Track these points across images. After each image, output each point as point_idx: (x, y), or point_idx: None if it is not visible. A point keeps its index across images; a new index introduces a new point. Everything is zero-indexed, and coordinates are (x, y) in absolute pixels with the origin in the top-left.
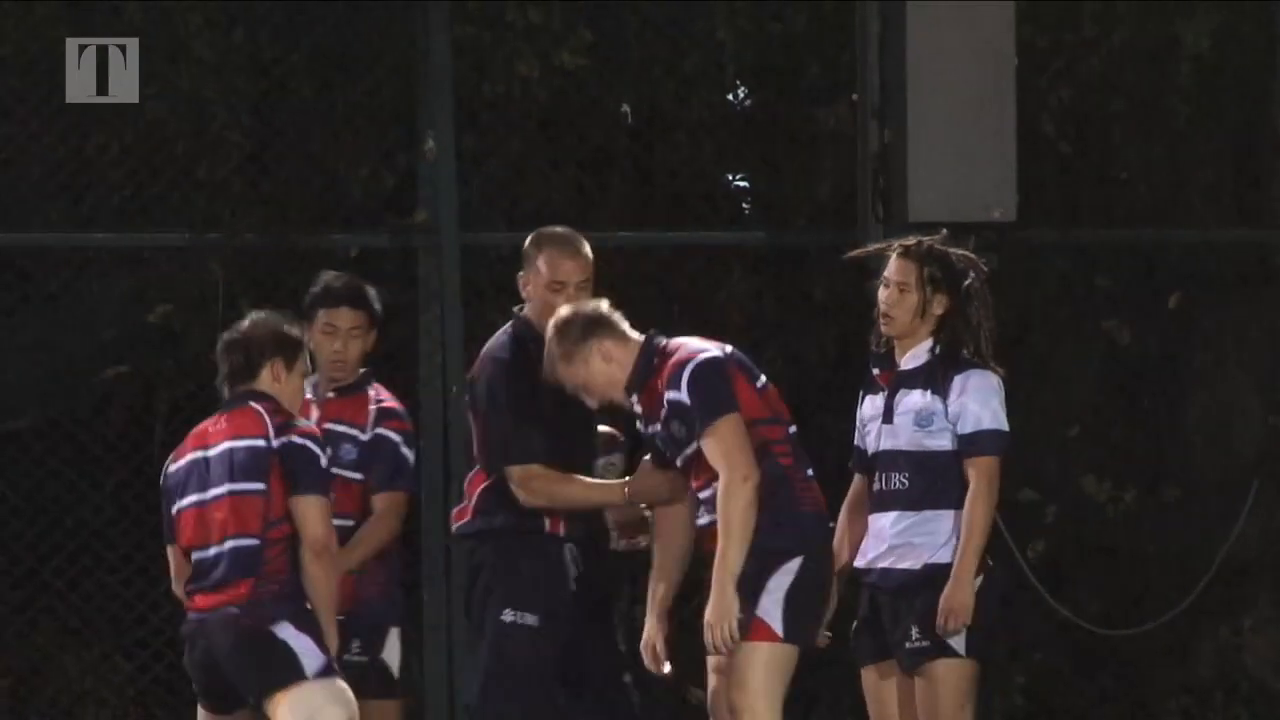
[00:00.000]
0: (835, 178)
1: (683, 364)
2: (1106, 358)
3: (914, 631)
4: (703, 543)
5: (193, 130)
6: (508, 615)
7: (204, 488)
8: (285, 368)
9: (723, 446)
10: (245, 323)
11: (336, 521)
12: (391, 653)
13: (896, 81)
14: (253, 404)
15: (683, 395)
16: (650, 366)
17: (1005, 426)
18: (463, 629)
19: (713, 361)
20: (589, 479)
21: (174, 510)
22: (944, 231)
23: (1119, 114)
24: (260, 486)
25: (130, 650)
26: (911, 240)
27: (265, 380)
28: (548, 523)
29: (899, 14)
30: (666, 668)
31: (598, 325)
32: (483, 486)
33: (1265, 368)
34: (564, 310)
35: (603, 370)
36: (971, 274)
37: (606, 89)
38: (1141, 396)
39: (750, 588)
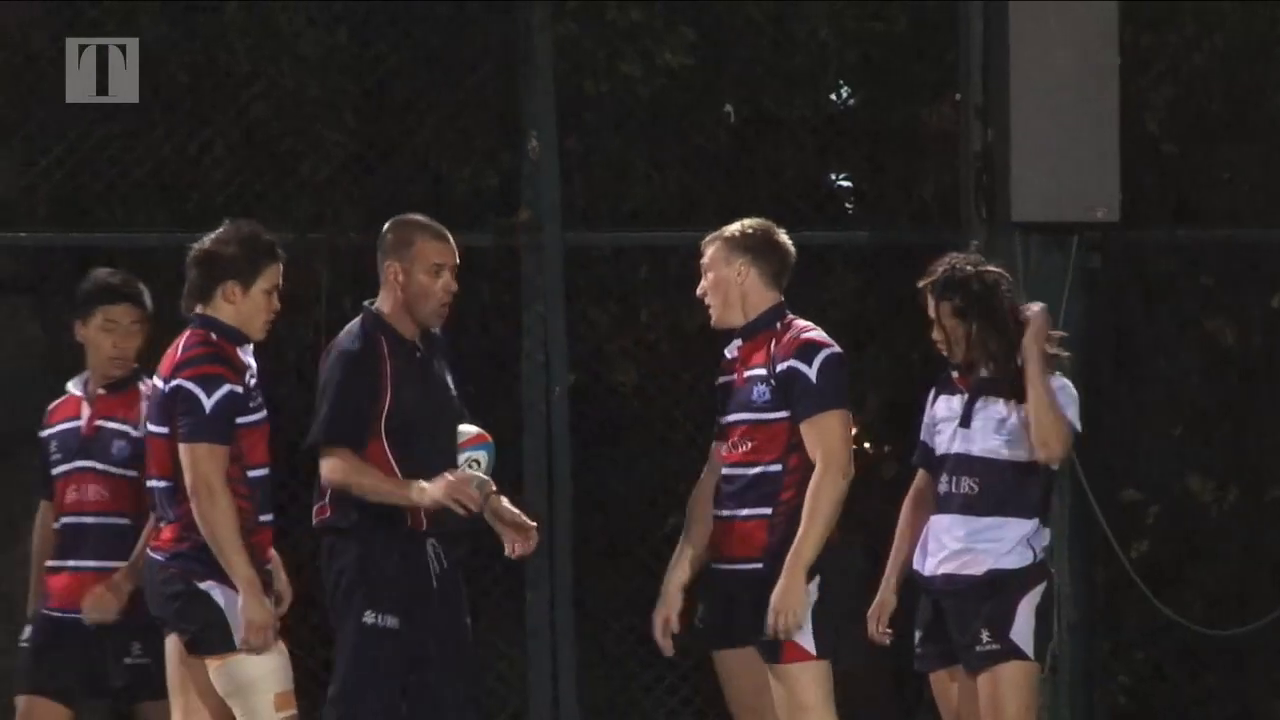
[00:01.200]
0: (938, 177)
1: (818, 344)
2: (1210, 357)
3: (984, 635)
4: (720, 537)
5: (296, 129)
6: (369, 617)
7: (147, 417)
8: (241, 288)
9: (831, 436)
10: (209, 237)
11: (108, 520)
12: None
13: (999, 80)
14: (188, 331)
15: (809, 371)
16: (771, 324)
17: (1078, 427)
18: (568, 631)
19: (844, 358)
20: (379, 475)
21: None
22: (973, 243)
23: (1222, 112)
24: (164, 430)
25: None
26: (937, 271)
27: (219, 303)
28: (409, 517)
29: (1001, 13)
30: (669, 647)
31: (771, 252)
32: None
33: None
34: (760, 222)
35: (736, 285)
36: (1002, 285)
37: (709, 88)
38: (1245, 396)
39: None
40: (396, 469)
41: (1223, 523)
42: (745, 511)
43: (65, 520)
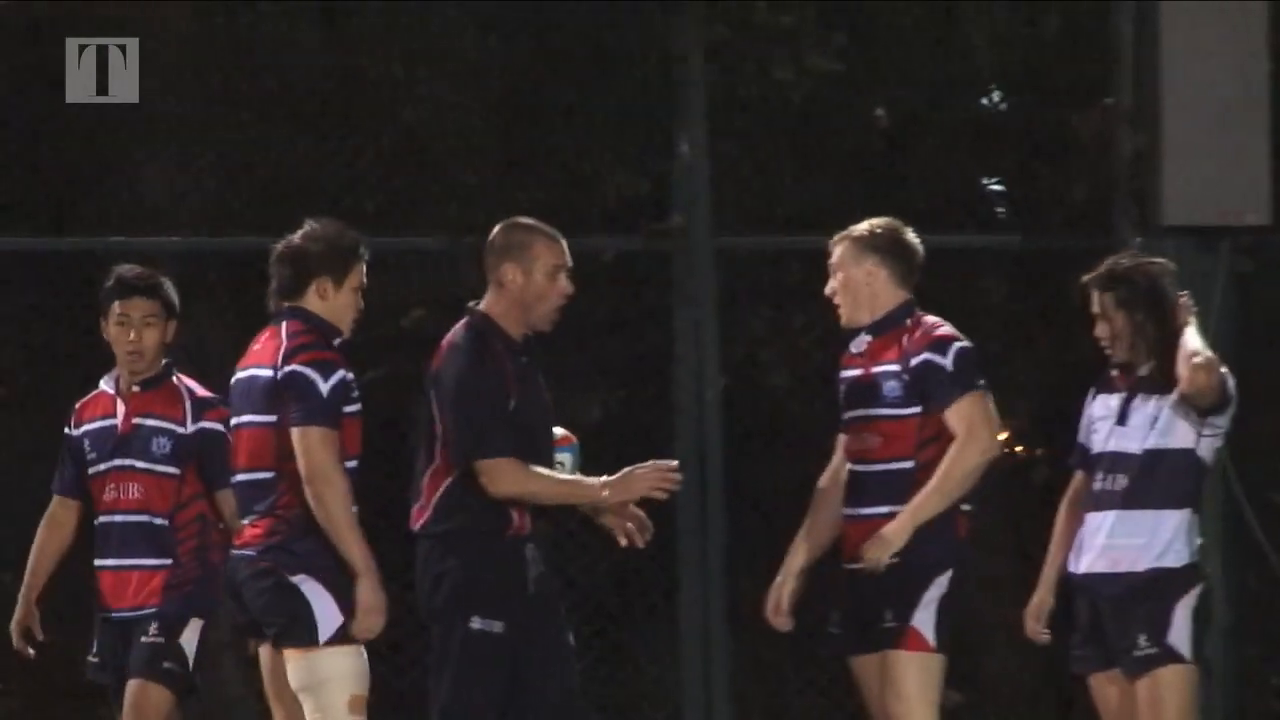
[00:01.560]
0: (1090, 181)
1: (951, 337)
2: None
3: (1141, 639)
4: (849, 536)
5: (447, 135)
6: (476, 623)
7: (241, 411)
8: (333, 284)
9: (974, 413)
10: (297, 233)
11: (145, 518)
12: (189, 641)
13: (1150, 84)
14: (285, 322)
15: (945, 361)
16: (901, 322)
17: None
18: (721, 635)
19: (976, 352)
20: (561, 475)
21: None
22: (1136, 241)
23: None
24: (271, 419)
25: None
26: (1100, 266)
27: (311, 299)
28: (510, 523)
29: (1153, 17)
30: (787, 623)
31: (900, 252)
32: (443, 487)
33: None
34: (888, 221)
35: (865, 285)
36: (1165, 278)
37: (860, 92)
38: None
39: (904, 598)
40: None
41: None
42: (874, 510)
43: (103, 519)
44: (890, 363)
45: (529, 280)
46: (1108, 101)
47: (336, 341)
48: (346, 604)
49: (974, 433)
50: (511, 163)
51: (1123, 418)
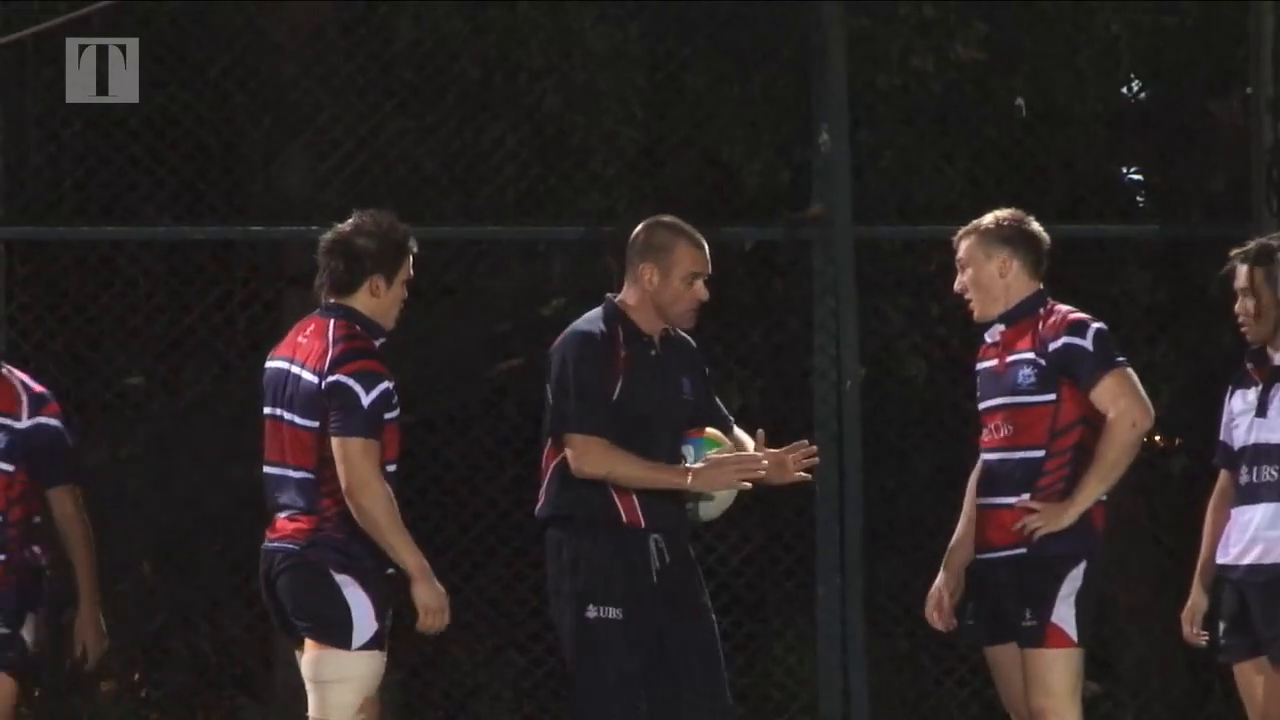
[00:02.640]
0: (1229, 171)
1: (1087, 320)
2: None
3: None
4: (982, 526)
5: (588, 124)
6: (591, 612)
7: (278, 403)
8: (385, 281)
9: (1122, 387)
10: (348, 225)
11: None
12: (28, 632)
13: None
14: (333, 321)
15: (1085, 342)
16: (1034, 310)
17: None
18: (858, 624)
19: (1111, 334)
20: (650, 460)
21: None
22: None
23: None
24: (314, 424)
25: (523, 644)
26: (1250, 244)
27: (362, 296)
28: (624, 513)
29: None
30: (949, 623)
31: (1029, 242)
32: (553, 468)
33: None
34: (1013, 212)
35: (999, 279)
36: None
37: (1000, 82)
38: None
39: (1040, 594)
40: None
41: None
42: (1006, 499)
43: None
44: (1024, 351)
45: (665, 283)
46: (1248, 91)
47: (379, 343)
48: (383, 610)
49: (1125, 408)
50: (652, 151)
51: (1262, 409)
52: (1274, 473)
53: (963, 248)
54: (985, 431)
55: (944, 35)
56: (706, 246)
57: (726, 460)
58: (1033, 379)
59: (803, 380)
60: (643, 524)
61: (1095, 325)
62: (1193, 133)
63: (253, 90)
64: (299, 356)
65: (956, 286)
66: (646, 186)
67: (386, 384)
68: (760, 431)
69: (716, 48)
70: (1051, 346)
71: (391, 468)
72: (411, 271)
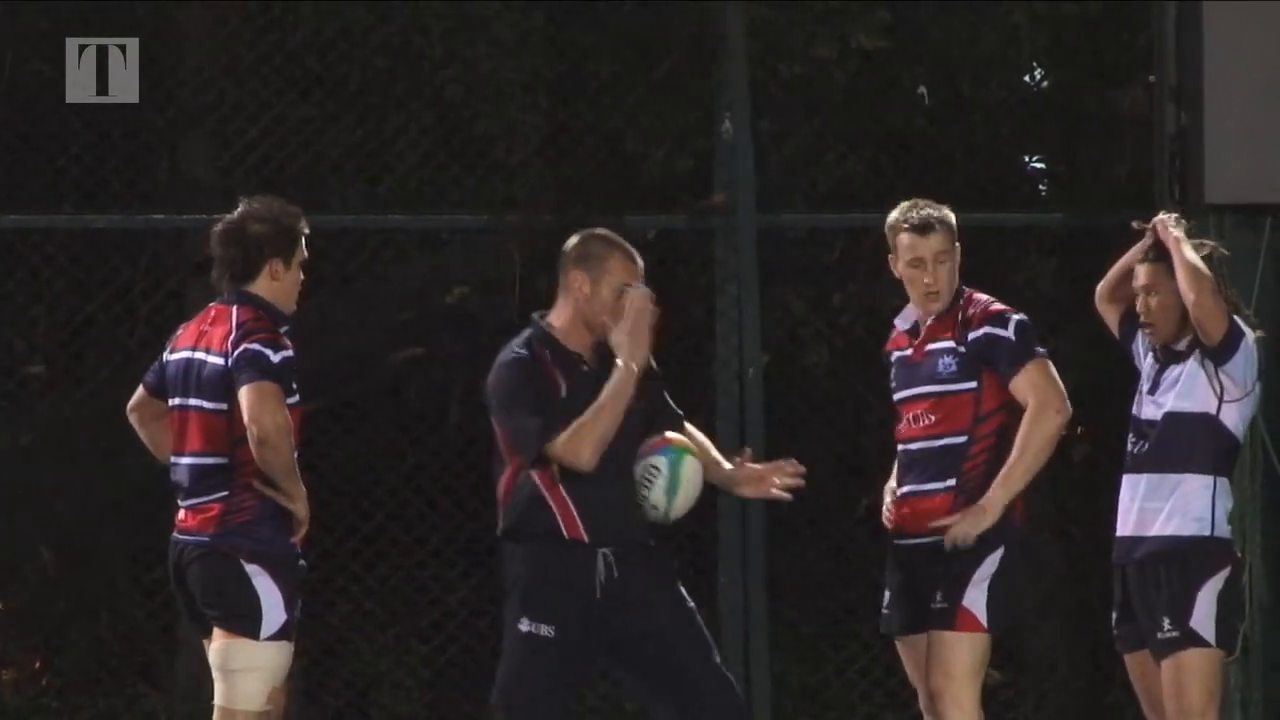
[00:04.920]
0: (1132, 159)
1: (1007, 311)
2: None
3: (1165, 622)
4: (902, 513)
5: (491, 113)
6: (524, 625)
7: (186, 393)
8: (284, 264)
9: (1042, 378)
10: (238, 213)
11: None
12: None
13: (1193, 63)
14: (236, 308)
15: (1007, 333)
16: (955, 300)
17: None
18: (760, 613)
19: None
20: (599, 401)
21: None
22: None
23: None
24: (223, 406)
25: (425, 633)
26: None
27: (262, 281)
28: (565, 529)
29: None
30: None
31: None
32: (501, 488)
33: None
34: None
35: (954, 271)
36: (1213, 254)
37: (903, 70)
38: None
39: (955, 578)
40: (563, 486)
41: None
42: (928, 486)
43: None
44: (945, 340)
45: (595, 293)
46: (1151, 79)
47: (284, 329)
48: (292, 600)
49: (1046, 398)
50: (555, 140)
51: (1154, 387)
52: (1145, 447)
53: (937, 242)
54: (904, 421)
55: (847, 24)
56: (640, 261)
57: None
58: (954, 367)
59: (705, 368)
60: (586, 538)
61: (1016, 316)
62: (1095, 121)
63: (156, 78)
64: (203, 344)
65: (929, 281)
66: (549, 175)
67: (290, 353)
68: (747, 449)
69: (619, 36)
70: (972, 335)
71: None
72: (305, 253)
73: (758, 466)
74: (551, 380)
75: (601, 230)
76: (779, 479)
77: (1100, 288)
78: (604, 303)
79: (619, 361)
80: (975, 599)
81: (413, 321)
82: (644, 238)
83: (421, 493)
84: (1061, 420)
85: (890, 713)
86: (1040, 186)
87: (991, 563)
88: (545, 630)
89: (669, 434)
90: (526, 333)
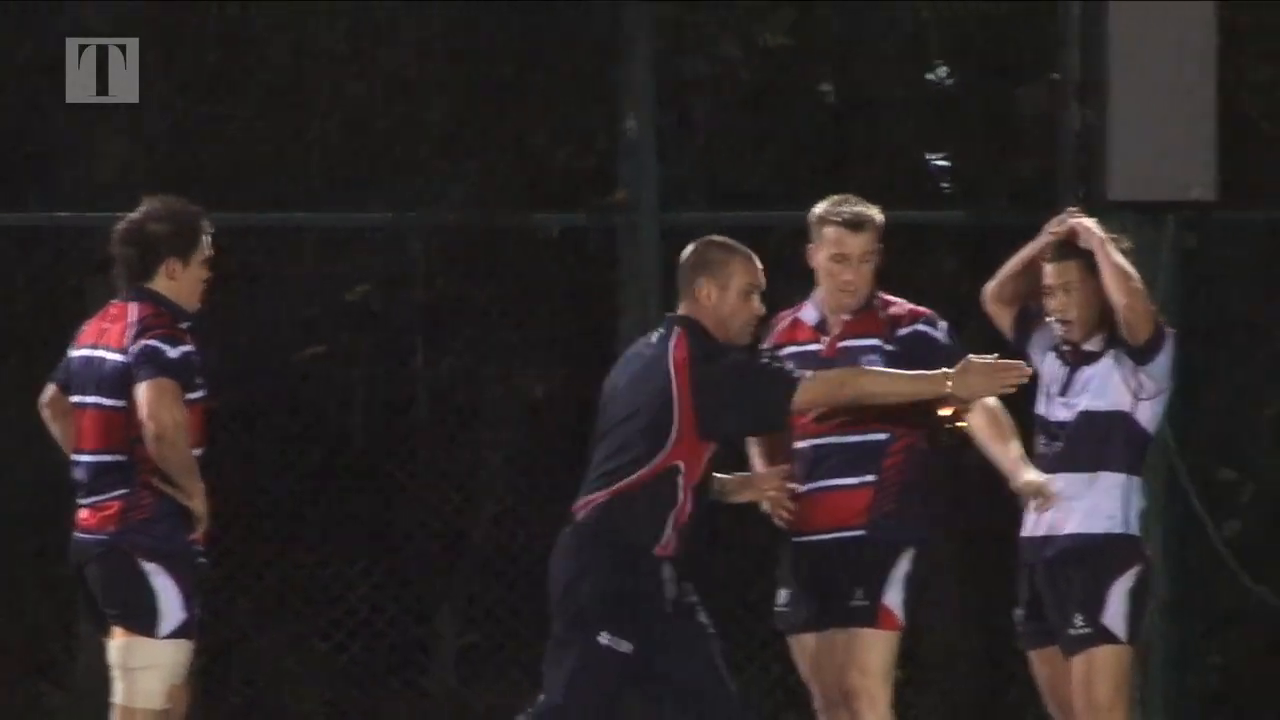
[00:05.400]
0: (1035, 157)
1: (934, 314)
2: None
3: (1077, 619)
4: (812, 509)
5: (395, 111)
6: (604, 638)
7: (85, 390)
8: (181, 263)
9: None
10: (139, 212)
11: None
12: None
13: (1098, 60)
14: (136, 305)
15: (938, 334)
16: (871, 302)
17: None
18: None
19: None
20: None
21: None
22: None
23: None
24: (121, 403)
25: (325, 630)
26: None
27: (160, 280)
28: (659, 541)
29: None
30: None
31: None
32: (621, 486)
33: None
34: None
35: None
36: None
37: (808, 68)
38: None
39: (874, 575)
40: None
41: None
42: (846, 480)
43: None
44: (867, 338)
45: (723, 297)
46: (1054, 77)
47: (184, 326)
48: (191, 598)
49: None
50: (459, 138)
51: (1064, 389)
52: (1059, 447)
53: (867, 240)
54: (815, 413)
55: (751, 22)
56: (758, 261)
57: (983, 364)
58: (879, 364)
59: (609, 367)
60: (670, 553)
61: (943, 321)
62: (999, 119)
63: (60, 77)
64: (104, 341)
65: (851, 276)
66: (453, 174)
67: (190, 348)
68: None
69: (524, 33)
70: (902, 332)
71: (197, 452)
72: (210, 250)
73: (744, 475)
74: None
75: (718, 237)
76: (773, 490)
77: (992, 288)
78: (733, 306)
79: (944, 388)
80: (894, 598)
81: (315, 319)
82: (547, 235)
83: (323, 490)
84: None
85: (791, 711)
86: (944, 184)
87: (907, 562)
88: (625, 646)
89: None
90: (686, 329)
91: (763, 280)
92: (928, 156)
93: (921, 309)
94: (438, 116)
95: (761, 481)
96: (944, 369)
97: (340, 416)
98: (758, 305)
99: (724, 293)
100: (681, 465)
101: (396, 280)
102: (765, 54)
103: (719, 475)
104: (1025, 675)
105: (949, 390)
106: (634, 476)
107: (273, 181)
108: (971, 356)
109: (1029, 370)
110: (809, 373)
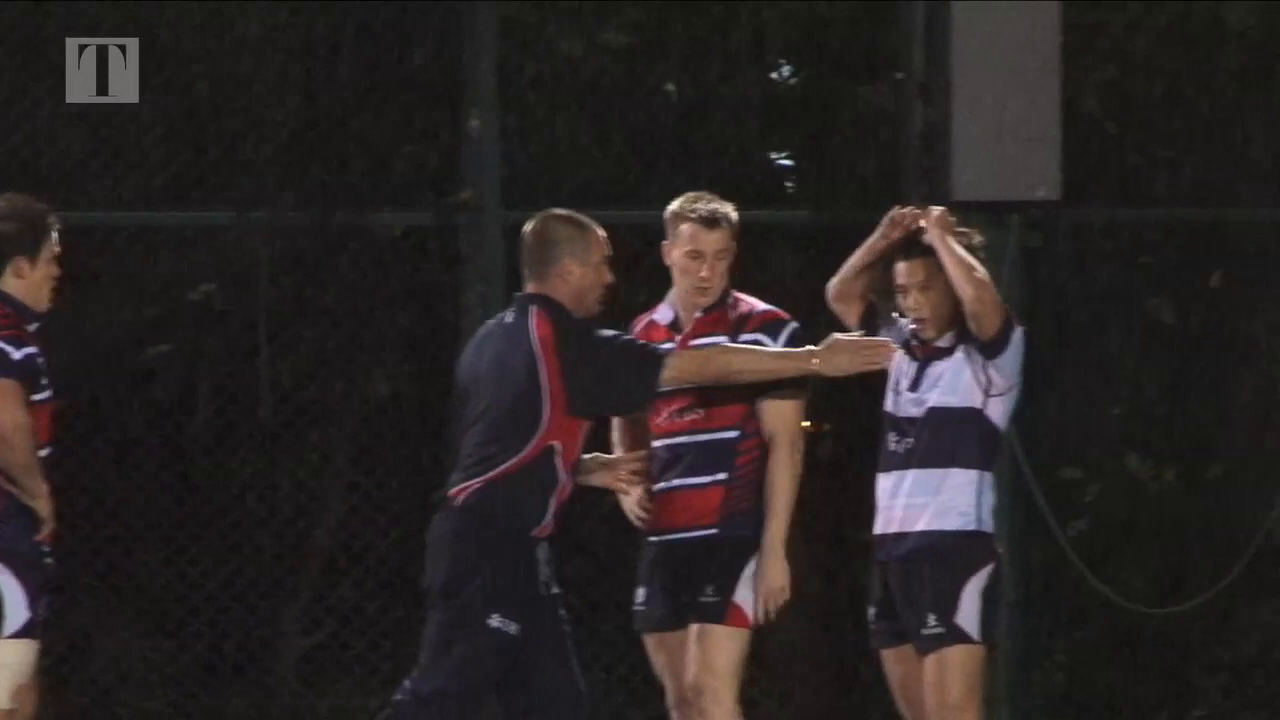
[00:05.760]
0: (879, 156)
1: (784, 319)
2: (1150, 336)
3: (930, 618)
4: (664, 508)
5: (238, 109)
6: (494, 621)
7: None
8: (29, 262)
9: (789, 414)
10: None
11: None
12: None
13: (941, 59)
14: None
15: (774, 347)
16: (724, 301)
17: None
18: None
19: (803, 334)
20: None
21: None
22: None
23: (1164, 92)
24: None
25: (170, 630)
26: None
27: (8, 280)
28: (548, 523)
29: None
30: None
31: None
32: (509, 469)
33: None
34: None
35: (727, 267)
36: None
37: (651, 67)
38: (1185, 375)
39: (725, 573)
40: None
41: (1161, 501)
42: (698, 479)
43: None
44: (717, 335)
45: (585, 272)
46: (898, 76)
47: (33, 327)
48: (36, 598)
49: (791, 435)
50: (303, 137)
51: (915, 384)
52: (910, 444)
53: (723, 238)
54: (664, 415)
55: (595, 20)
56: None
57: (848, 340)
58: None
59: (451, 366)
60: (547, 533)
61: (792, 327)
62: (843, 118)
63: None
64: None
65: (706, 273)
66: (296, 172)
67: (34, 350)
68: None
69: (367, 31)
70: (744, 338)
71: (44, 452)
72: (58, 249)
73: (607, 457)
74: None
75: (561, 211)
76: (627, 473)
77: (836, 285)
78: (592, 280)
79: (811, 364)
80: (745, 596)
81: (160, 318)
82: (390, 234)
83: (167, 489)
84: (800, 457)
85: (634, 710)
86: (787, 183)
87: (757, 558)
88: (514, 629)
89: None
90: (544, 307)
91: (610, 248)
92: (772, 156)
93: (772, 312)
94: (281, 115)
95: (619, 465)
96: (809, 346)
97: (184, 416)
98: (608, 274)
99: (585, 268)
100: (558, 445)
101: (240, 279)
102: (608, 53)
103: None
104: (871, 674)
105: (815, 367)
106: (513, 460)
107: (115, 180)
108: (837, 335)
109: (895, 347)
110: (673, 348)
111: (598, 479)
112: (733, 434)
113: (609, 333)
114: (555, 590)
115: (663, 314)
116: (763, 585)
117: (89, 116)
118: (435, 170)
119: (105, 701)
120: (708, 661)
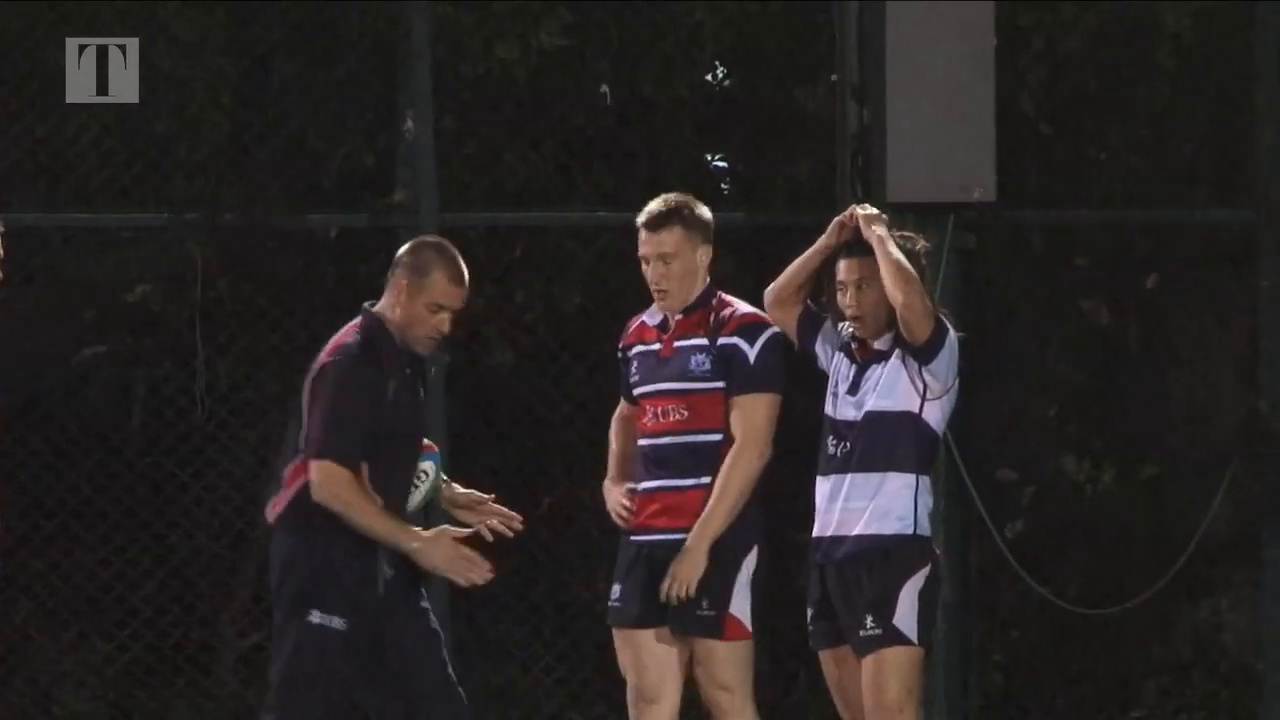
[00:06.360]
0: (814, 158)
1: (763, 323)
2: (1085, 337)
3: (868, 620)
4: (645, 508)
5: (172, 110)
6: (315, 617)
7: None
8: None
9: (757, 417)
10: None
11: None
12: None
13: (876, 62)
14: None
15: (750, 351)
16: (707, 302)
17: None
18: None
19: (784, 340)
20: (385, 513)
21: None
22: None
23: (1098, 94)
24: None
25: (108, 631)
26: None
27: None
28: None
29: None
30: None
31: (712, 233)
32: (302, 483)
33: (1244, 348)
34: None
35: (700, 271)
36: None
37: (586, 69)
38: (1120, 376)
39: (718, 583)
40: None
41: (1098, 503)
42: (682, 481)
43: None
44: (699, 338)
45: (412, 302)
46: (833, 78)
47: None
48: None
49: (753, 437)
50: (238, 138)
51: (854, 388)
52: (847, 448)
53: (669, 240)
54: (649, 416)
55: (528, 23)
56: (466, 286)
57: (451, 548)
58: (706, 365)
59: None
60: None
61: (771, 332)
62: (778, 120)
63: None
64: None
65: (656, 275)
66: (231, 174)
67: None
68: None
69: (303, 33)
70: (721, 340)
71: None
72: (2, 251)
73: (478, 494)
74: (384, 386)
75: (439, 242)
76: (494, 520)
77: (775, 289)
78: (419, 314)
79: (411, 546)
80: (741, 606)
81: (95, 320)
82: (326, 236)
83: (104, 490)
84: (761, 464)
85: (574, 712)
86: (723, 185)
87: (749, 565)
88: (337, 623)
89: (427, 440)
90: (361, 323)
91: (459, 303)
92: (706, 157)
93: (753, 315)
94: (216, 116)
95: (486, 513)
96: (419, 530)
97: (121, 417)
98: (443, 325)
99: (413, 298)
100: None
101: (175, 280)
102: (542, 55)
103: (455, 485)
104: (809, 676)
105: (412, 549)
106: (300, 462)
107: (50, 182)
108: (450, 532)
109: (490, 574)
110: (343, 461)
111: (463, 516)
112: (717, 437)
113: (354, 384)
114: (412, 593)
115: (652, 315)
116: (679, 570)
117: (25, 118)
118: (371, 172)
119: (44, 702)
120: (717, 679)
